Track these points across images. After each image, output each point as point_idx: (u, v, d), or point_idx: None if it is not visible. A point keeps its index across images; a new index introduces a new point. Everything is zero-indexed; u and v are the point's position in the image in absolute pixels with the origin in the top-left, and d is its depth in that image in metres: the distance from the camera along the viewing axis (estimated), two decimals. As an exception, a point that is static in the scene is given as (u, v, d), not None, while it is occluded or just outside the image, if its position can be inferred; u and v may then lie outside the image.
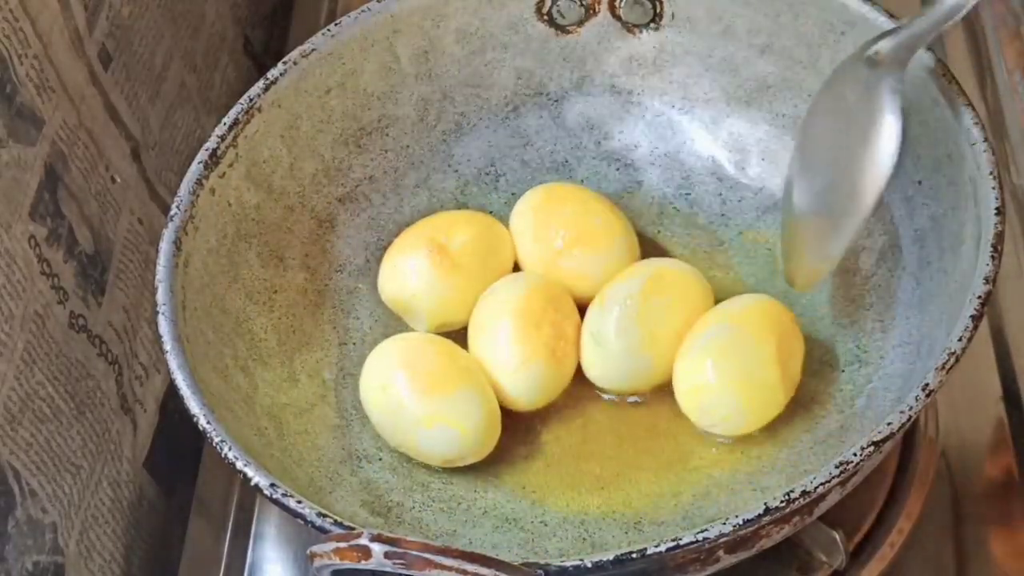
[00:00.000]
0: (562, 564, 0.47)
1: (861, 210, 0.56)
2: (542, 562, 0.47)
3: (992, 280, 0.51)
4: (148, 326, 0.68)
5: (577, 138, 0.68)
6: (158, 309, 0.55)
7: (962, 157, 0.56)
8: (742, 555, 0.51)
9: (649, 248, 0.66)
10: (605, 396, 0.61)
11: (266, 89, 0.62)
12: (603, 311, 0.60)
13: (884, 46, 0.55)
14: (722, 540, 0.48)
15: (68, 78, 0.62)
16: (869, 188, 0.55)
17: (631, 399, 0.61)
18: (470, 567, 0.44)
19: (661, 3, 0.66)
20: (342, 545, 0.44)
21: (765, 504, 0.47)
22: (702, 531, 0.47)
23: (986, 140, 0.55)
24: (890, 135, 0.55)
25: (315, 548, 0.45)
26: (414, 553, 0.44)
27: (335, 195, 0.65)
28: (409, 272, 0.63)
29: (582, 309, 0.62)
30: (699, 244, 0.66)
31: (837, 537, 0.57)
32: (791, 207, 0.60)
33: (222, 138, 0.61)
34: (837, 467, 0.48)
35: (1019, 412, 0.64)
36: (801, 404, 0.59)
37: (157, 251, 0.57)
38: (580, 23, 0.67)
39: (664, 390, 0.60)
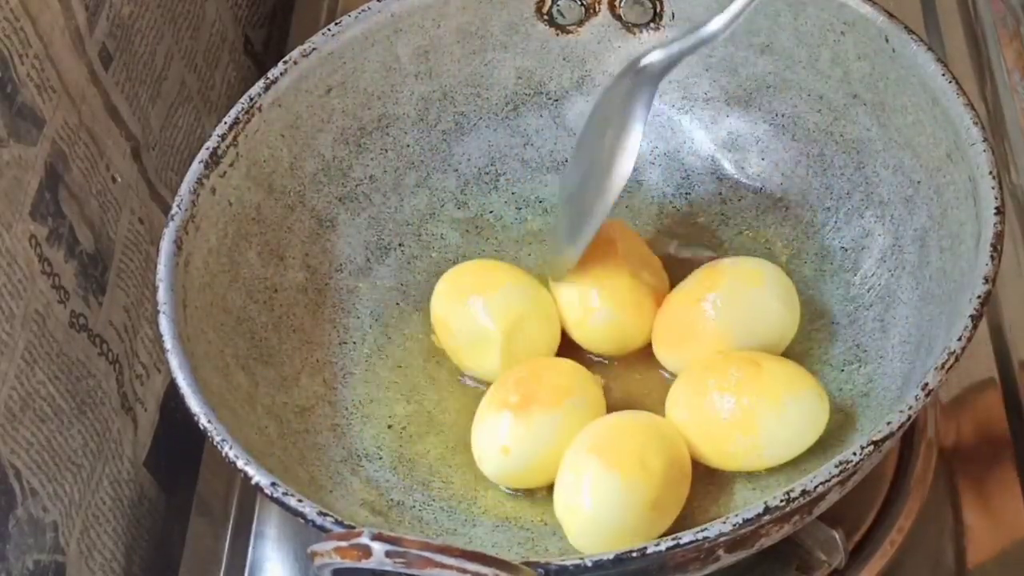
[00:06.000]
0: (562, 563, 0.47)
1: (602, 208, 0.59)
2: (543, 561, 0.47)
3: (992, 280, 0.51)
4: (149, 325, 0.68)
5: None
6: (159, 308, 0.55)
7: (962, 157, 0.56)
8: (742, 554, 0.51)
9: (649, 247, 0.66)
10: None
11: (267, 88, 0.62)
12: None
13: (650, 59, 0.58)
14: (722, 539, 0.48)
15: (69, 78, 0.62)
16: (613, 184, 0.58)
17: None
18: (470, 566, 0.44)
19: (661, 3, 0.66)
20: (343, 544, 0.44)
21: (765, 503, 0.47)
22: (702, 530, 0.47)
23: (985, 140, 0.55)
24: (633, 142, 0.58)
25: (316, 547, 0.45)
26: (414, 552, 0.44)
27: (335, 194, 0.65)
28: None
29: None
30: (698, 244, 0.66)
31: (837, 536, 0.57)
32: (559, 198, 0.64)
33: (223, 137, 0.61)
34: (837, 466, 0.48)
35: (1018, 412, 0.64)
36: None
37: (158, 250, 0.57)
38: (580, 23, 0.67)
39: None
